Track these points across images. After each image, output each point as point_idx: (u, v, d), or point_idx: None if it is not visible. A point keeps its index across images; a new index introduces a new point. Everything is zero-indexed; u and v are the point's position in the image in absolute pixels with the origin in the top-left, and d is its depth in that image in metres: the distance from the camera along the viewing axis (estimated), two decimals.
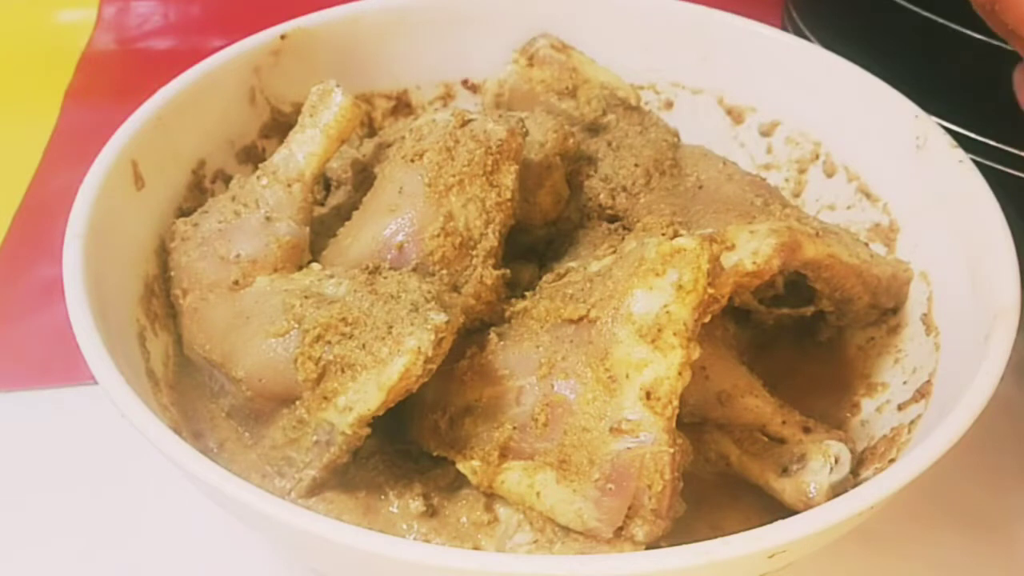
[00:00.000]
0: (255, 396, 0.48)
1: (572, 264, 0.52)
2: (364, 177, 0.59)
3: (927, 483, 0.40)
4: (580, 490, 0.42)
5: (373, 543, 0.37)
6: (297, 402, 0.46)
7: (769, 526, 0.38)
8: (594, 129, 0.62)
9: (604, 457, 0.42)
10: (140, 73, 0.87)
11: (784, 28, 0.77)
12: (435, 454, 0.47)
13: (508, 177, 0.50)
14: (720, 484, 0.50)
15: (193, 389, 0.52)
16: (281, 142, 0.55)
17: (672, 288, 0.42)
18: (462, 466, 0.46)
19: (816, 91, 0.63)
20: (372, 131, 0.67)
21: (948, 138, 0.55)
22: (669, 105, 0.69)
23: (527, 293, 0.50)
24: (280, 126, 0.63)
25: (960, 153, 0.55)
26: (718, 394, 0.50)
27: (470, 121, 0.51)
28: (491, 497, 0.46)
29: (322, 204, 0.60)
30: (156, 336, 0.52)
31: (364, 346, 0.43)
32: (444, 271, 0.49)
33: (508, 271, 0.51)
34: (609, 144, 0.60)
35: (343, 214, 0.54)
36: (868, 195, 0.61)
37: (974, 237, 0.51)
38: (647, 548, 0.42)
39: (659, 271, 0.43)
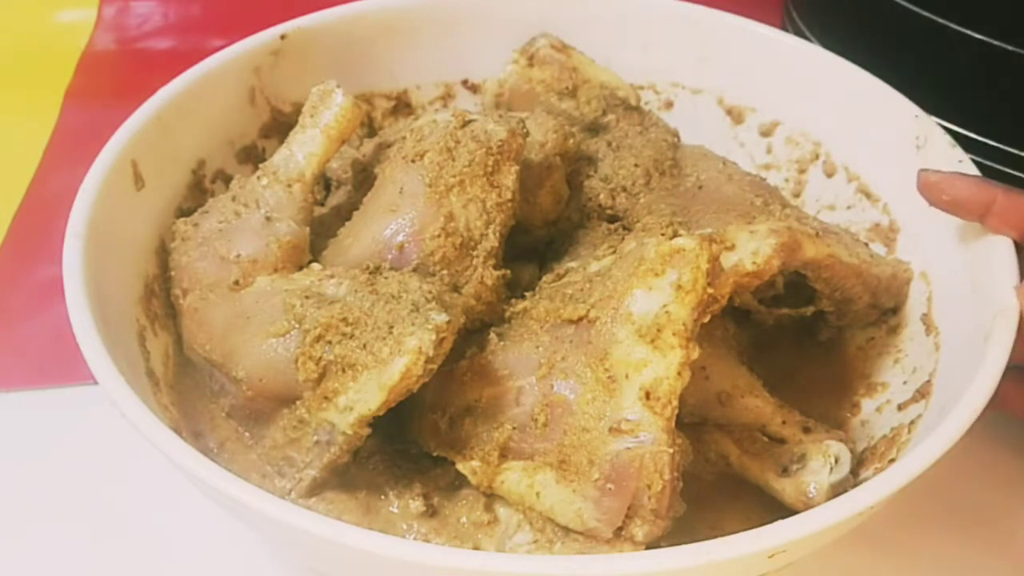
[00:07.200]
0: (255, 396, 0.48)
1: (572, 264, 0.52)
2: (364, 177, 0.59)
3: (927, 483, 0.40)
4: (580, 490, 0.42)
5: (373, 543, 0.37)
6: (298, 402, 0.46)
7: (769, 526, 0.38)
8: (594, 129, 0.62)
9: (604, 457, 0.42)
10: (140, 73, 0.87)
11: (784, 28, 0.77)
12: (435, 454, 0.47)
13: (509, 178, 0.50)
14: (720, 484, 0.50)
15: (193, 389, 0.52)
16: (281, 142, 0.55)
17: (671, 288, 0.42)
18: (462, 466, 0.46)
19: (816, 91, 0.63)
20: (372, 131, 0.67)
21: (948, 138, 0.55)
22: (669, 105, 0.69)
23: (527, 293, 0.50)
24: (280, 126, 0.63)
25: (960, 153, 0.54)
26: (718, 394, 0.50)
27: (471, 121, 0.51)
28: (491, 497, 0.46)
29: (322, 204, 0.60)
30: (156, 336, 0.52)
31: (365, 346, 0.43)
32: (445, 271, 0.49)
33: (508, 271, 0.51)
34: (609, 144, 0.60)
35: (343, 214, 0.54)
36: (868, 195, 0.61)
37: (974, 237, 0.51)
38: (647, 548, 0.42)
39: (658, 271, 0.43)
